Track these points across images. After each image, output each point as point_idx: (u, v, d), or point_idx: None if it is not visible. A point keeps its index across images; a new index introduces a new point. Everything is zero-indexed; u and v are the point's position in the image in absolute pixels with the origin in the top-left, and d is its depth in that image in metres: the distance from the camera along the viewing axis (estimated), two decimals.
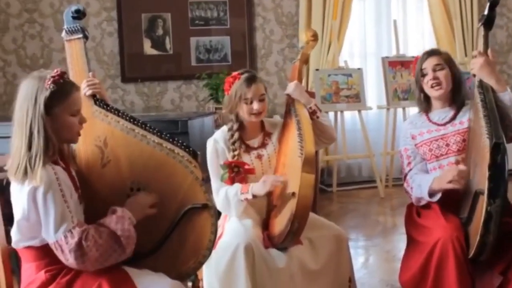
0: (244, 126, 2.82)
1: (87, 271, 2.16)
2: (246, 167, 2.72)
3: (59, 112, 2.17)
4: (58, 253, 2.13)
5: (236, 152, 2.75)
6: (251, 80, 2.74)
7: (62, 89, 2.16)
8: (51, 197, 2.10)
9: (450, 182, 2.57)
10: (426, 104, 2.87)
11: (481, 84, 2.63)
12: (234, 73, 2.80)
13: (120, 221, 2.18)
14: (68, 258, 2.11)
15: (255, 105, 2.73)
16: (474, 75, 2.68)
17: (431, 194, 2.66)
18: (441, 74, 2.77)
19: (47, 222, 2.11)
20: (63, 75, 2.19)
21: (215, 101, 5.64)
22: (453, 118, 2.81)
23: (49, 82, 2.14)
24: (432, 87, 2.78)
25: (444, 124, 2.80)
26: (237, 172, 2.71)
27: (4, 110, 6.29)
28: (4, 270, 2.35)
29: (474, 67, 2.66)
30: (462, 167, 2.59)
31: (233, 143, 2.77)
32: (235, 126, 2.78)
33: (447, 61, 2.82)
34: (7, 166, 2.19)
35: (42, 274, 2.18)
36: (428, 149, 2.79)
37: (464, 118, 2.78)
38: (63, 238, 2.10)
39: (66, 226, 2.11)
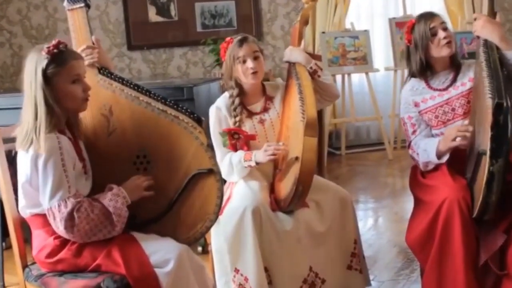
0: (245, 91, 2.81)
1: None
2: (246, 133, 2.73)
3: (58, 81, 2.21)
4: (50, 219, 2.18)
5: (237, 118, 2.76)
6: (243, 40, 2.75)
7: (58, 58, 2.20)
8: (51, 164, 2.15)
9: (454, 139, 2.57)
10: (426, 70, 2.79)
11: (486, 43, 2.59)
12: (227, 39, 2.82)
13: (114, 198, 2.22)
14: (59, 226, 2.16)
15: (249, 63, 2.72)
16: (478, 37, 2.65)
17: (439, 156, 2.66)
18: (450, 34, 2.72)
19: (44, 188, 2.17)
20: (58, 45, 2.22)
21: (221, 67, 5.62)
22: (454, 80, 2.77)
23: (43, 53, 2.19)
24: (443, 45, 2.71)
25: (446, 88, 2.77)
26: (237, 139, 2.72)
27: (12, 81, 6.32)
28: (17, 239, 2.39)
29: (476, 28, 2.63)
30: (464, 122, 2.58)
31: (234, 109, 2.77)
32: (235, 92, 2.78)
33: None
34: (14, 133, 2.25)
35: (52, 240, 2.24)
36: (434, 116, 2.77)
37: (465, 79, 2.75)
38: (57, 206, 2.15)
39: (62, 195, 2.16)
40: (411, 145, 2.80)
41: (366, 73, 6.25)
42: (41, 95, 2.18)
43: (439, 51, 2.73)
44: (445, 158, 2.65)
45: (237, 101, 2.78)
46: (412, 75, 2.85)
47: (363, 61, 6.22)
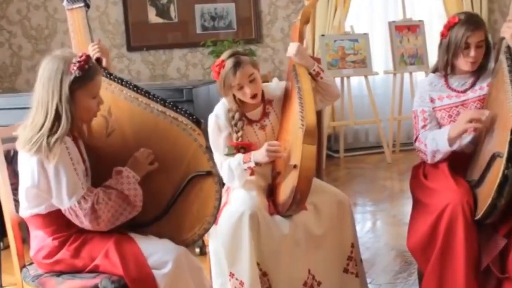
0: (244, 102, 2.76)
1: (93, 237, 2.23)
2: (253, 148, 2.72)
3: (80, 95, 2.20)
4: (72, 218, 2.20)
5: (239, 134, 2.74)
6: (236, 66, 2.64)
7: (86, 74, 2.19)
8: (62, 167, 2.15)
9: (469, 122, 2.55)
10: (448, 69, 2.79)
11: (509, 50, 2.58)
12: (218, 61, 2.70)
13: (125, 181, 2.25)
14: (83, 221, 2.19)
15: (247, 89, 2.68)
16: (503, 38, 2.62)
17: (450, 143, 2.63)
18: (480, 53, 2.70)
19: (59, 192, 2.17)
20: (88, 60, 2.21)
21: None
22: (473, 84, 2.76)
23: (74, 68, 2.17)
24: (468, 62, 2.70)
25: (464, 91, 2.76)
26: (243, 153, 2.71)
27: (11, 81, 6.32)
28: (15, 239, 2.39)
29: (506, 35, 2.60)
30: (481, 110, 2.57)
31: (235, 124, 2.74)
32: (234, 107, 2.75)
33: (486, 35, 2.73)
34: (15, 133, 2.24)
35: (50, 241, 2.25)
36: (448, 115, 2.76)
37: (484, 84, 2.73)
38: (77, 204, 2.17)
39: (78, 193, 2.18)
40: (418, 138, 2.79)
41: (365, 76, 6.25)
42: (68, 109, 2.16)
43: (463, 64, 2.72)
44: (455, 146, 2.64)
45: (237, 116, 2.75)
46: (435, 69, 2.85)
47: (363, 64, 6.23)
